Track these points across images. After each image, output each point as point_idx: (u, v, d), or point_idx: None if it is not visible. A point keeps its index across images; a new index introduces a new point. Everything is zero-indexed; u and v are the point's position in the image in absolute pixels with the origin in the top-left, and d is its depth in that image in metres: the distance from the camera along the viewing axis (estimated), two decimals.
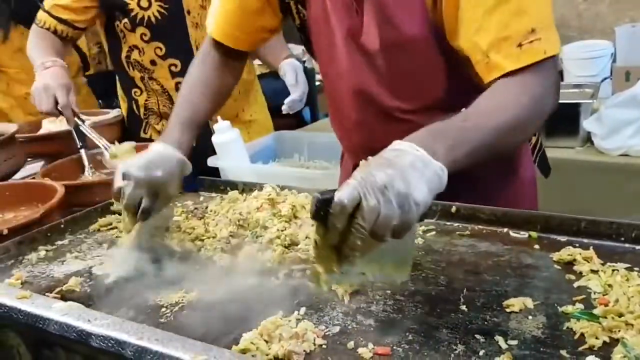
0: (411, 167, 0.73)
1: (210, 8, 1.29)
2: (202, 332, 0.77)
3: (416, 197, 0.71)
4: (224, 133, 1.77)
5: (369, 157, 0.77)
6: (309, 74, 3.77)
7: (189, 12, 1.84)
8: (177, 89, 1.90)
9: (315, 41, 1.20)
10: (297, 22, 1.22)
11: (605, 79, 2.56)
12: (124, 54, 1.93)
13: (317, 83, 3.91)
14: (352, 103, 1.17)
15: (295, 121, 3.72)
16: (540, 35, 0.91)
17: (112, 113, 2.03)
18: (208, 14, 1.31)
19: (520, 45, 0.91)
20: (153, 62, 1.89)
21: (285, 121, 3.72)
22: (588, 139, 2.20)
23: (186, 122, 1.18)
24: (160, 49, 1.87)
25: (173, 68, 1.90)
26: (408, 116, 1.11)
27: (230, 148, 1.81)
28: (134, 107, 2.00)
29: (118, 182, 1.03)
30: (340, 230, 0.71)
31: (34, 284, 0.97)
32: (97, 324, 0.71)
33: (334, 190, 0.71)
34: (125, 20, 1.85)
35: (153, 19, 1.83)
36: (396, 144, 0.78)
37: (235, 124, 1.81)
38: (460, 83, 1.06)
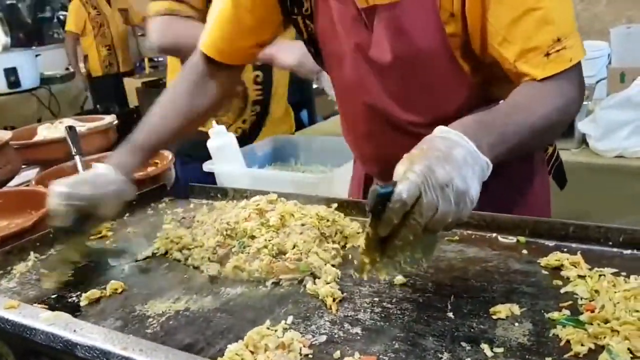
0: (465, 163, 0.74)
1: (207, 21, 1.27)
2: (188, 342, 0.77)
3: (472, 195, 0.74)
4: (219, 137, 1.78)
5: (424, 142, 0.78)
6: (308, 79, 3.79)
7: None
8: (255, 81, 2.00)
9: (325, 53, 1.19)
10: (304, 36, 1.21)
11: (601, 80, 2.56)
12: None
13: (315, 86, 3.92)
14: (361, 115, 1.17)
15: (296, 123, 3.72)
16: (565, 44, 0.93)
17: (107, 119, 2.03)
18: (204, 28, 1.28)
19: (547, 54, 0.93)
20: None
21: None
22: (583, 141, 2.20)
23: (138, 145, 1.18)
24: None
25: (257, 78, 2.01)
26: (419, 129, 1.07)
27: (226, 152, 1.81)
28: None
29: (49, 203, 1.04)
30: (395, 224, 0.72)
31: (22, 294, 0.97)
32: (83, 334, 0.72)
33: (392, 184, 0.71)
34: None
35: None
36: (444, 131, 0.79)
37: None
38: (475, 96, 1.06)
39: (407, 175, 0.71)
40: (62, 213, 1.02)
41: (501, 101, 0.94)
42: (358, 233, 1.05)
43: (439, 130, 0.80)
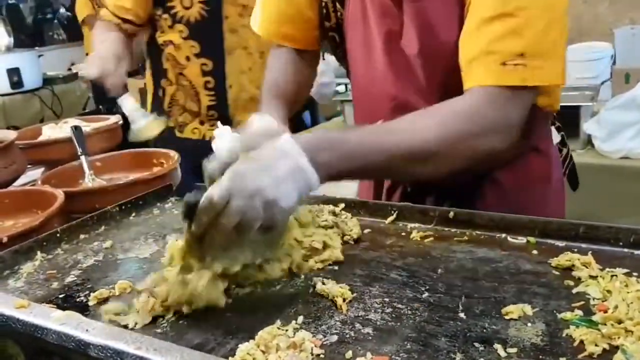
0: (286, 176, 0.79)
1: (259, 11, 1.32)
2: (198, 342, 0.77)
3: (283, 205, 0.79)
4: (223, 138, 1.77)
5: (262, 147, 0.82)
6: None
7: (227, 18, 1.93)
8: (205, 87, 2.01)
9: (350, 42, 1.18)
10: (332, 22, 1.22)
11: (606, 81, 2.56)
12: (160, 47, 2.03)
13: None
14: (384, 109, 1.15)
15: (295, 125, 3.72)
16: (527, 62, 0.88)
17: (112, 119, 2.03)
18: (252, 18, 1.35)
19: (504, 64, 0.89)
20: (188, 59, 1.99)
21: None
22: (588, 142, 2.20)
23: (280, 100, 1.22)
24: (195, 47, 1.97)
25: (204, 67, 1.99)
26: None
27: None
28: (160, 95, 2.09)
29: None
30: (205, 224, 0.78)
31: (29, 294, 0.96)
32: (95, 334, 0.71)
33: (199, 193, 0.78)
34: (166, 16, 1.94)
35: (192, 19, 1.93)
36: (284, 141, 0.82)
37: None
38: None
39: (221, 179, 0.77)
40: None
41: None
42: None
43: (282, 138, 0.83)
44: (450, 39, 1.00)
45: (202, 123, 2.08)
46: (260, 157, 0.79)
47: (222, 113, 2.05)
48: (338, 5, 1.18)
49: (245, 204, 0.76)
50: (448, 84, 1.05)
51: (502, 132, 0.92)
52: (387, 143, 0.87)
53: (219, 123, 1.76)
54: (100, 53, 1.85)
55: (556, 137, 1.28)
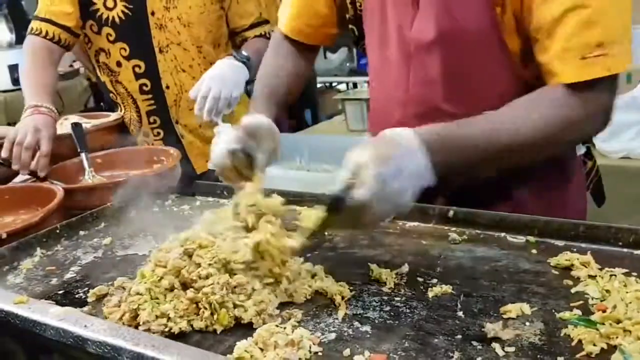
0: (412, 178, 0.83)
1: (282, 7, 1.33)
2: (197, 339, 0.77)
3: (408, 205, 0.85)
4: (224, 136, 1.77)
5: (389, 141, 0.85)
6: (311, 78, 3.79)
7: (153, 14, 1.84)
8: (141, 90, 1.92)
9: (368, 33, 1.18)
10: (350, 13, 1.22)
11: None
12: (93, 58, 1.96)
13: (319, 85, 3.93)
14: (398, 102, 1.14)
15: (296, 123, 3.73)
16: (608, 51, 0.88)
17: (113, 116, 2.03)
18: (279, 11, 1.35)
19: (584, 57, 0.89)
20: (119, 64, 1.90)
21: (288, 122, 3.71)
22: (589, 141, 2.19)
23: (271, 100, 1.21)
24: (125, 49, 1.87)
25: (137, 69, 1.90)
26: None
27: None
28: (121, 111, 2.03)
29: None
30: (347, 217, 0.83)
31: (28, 290, 0.97)
32: (94, 330, 0.71)
33: (347, 185, 0.82)
34: (92, 21, 1.86)
35: (117, 20, 1.84)
36: (409, 138, 0.85)
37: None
38: (522, 89, 1.00)
39: (366, 180, 0.80)
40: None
41: (500, 109, 0.92)
42: None
43: (405, 134, 0.86)
44: (473, 23, 0.99)
45: (146, 135, 1.97)
46: (393, 157, 0.82)
47: (164, 118, 1.94)
48: None
49: (383, 208, 0.82)
50: (465, 71, 1.04)
51: (598, 118, 0.93)
52: (492, 138, 0.90)
53: (219, 121, 1.76)
54: (36, 126, 1.56)
55: (580, 149, 1.21)
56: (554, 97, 0.91)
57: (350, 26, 1.25)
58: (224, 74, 1.69)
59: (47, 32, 1.84)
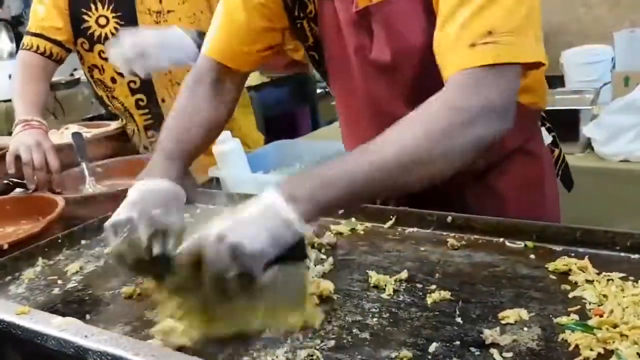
0: (256, 217, 0.73)
1: (209, 28, 1.25)
2: (197, 348, 0.78)
3: (249, 247, 0.70)
4: (224, 143, 1.79)
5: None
6: (309, 82, 3.81)
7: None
8: (137, 106, 1.92)
9: (328, 57, 1.18)
10: (310, 41, 1.20)
11: (605, 84, 2.56)
12: (87, 74, 1.96)
13: (319, 91, 3.94)
14: (366, 118, 1.15)
15: (295, 129, 3.74)
16: (498, 38, 0.84)
17: (113, 125, 2.04)
18: (206, 36, 1.26)
19: (473, 45, 0.85)
20: (113, 80, 1.90)
21: (285, 128, 3.72)
22: (588, 145, 2.20)
23: (174, 154, 1.09)
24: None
25: (132, 85, 1.89)
26: None
27: (231, 158, 1.81)
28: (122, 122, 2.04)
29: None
30: (184, 280, 0.75)
31: (30, 300, 0.97)
32: (95, 340, 0.72)
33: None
34: (82, 39, 1.86)
35: (110, 36, 1.83)
36: (265, 197, 0.76)
37: None
38: None
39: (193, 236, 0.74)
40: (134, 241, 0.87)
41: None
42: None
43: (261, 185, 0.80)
44: (419, 43, 1.00)
45: (145, 148, 1.96)
46: (237, 209, 0.75)
47: (152, 140, 1.93)
48: (312, 25, 1.17)
49: (212, 252, 0.70)
50: (425, 88, 1.03)
51: (489, 115, 0.84)
52: (375, 159, 0.80)
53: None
54: (38, 140, 1.55)
55: (547, 138, 1.28)
56: (437, 106, 0.85)
57: (310, 53, 1.23)
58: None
59: (38, 47, 1.85)
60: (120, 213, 0.90)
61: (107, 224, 0.90)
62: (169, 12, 1.83)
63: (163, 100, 1.91)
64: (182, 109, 1.18)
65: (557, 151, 1.32)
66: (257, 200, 0.75)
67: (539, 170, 1.22)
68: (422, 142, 0.81)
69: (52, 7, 1.85)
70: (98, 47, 1.85)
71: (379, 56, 1.07)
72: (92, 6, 1.83)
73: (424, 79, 1.04)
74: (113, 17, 1.83)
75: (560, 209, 1.28)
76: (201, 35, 1.59)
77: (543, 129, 1.28)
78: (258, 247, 0.70)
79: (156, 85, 1.89)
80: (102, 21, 1.83)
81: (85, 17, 1.84)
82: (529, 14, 0.88)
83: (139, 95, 1.91)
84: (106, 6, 1.83)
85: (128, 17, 1.82)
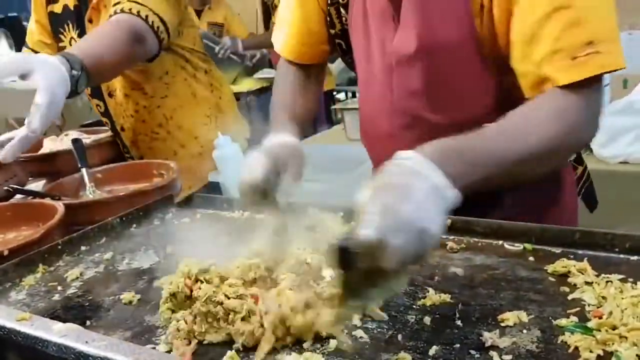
0: (426, 199, 0.71)
1: (275, 29, 1.34)
2: (199, 353, 0.78)
3: (434, 232, 0.70)
4: (224, 148, 1.79)
5: (384, 172, 0.75)
6: None
7: None
8: (107, 125, 1.95)
9: (354, 47, 1.20)
10: (337, 28, 1.23)
11: (604, 86, 2.56)
12: None
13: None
14: (384, 114, 1.15)
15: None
16: (598, 48, 0.85)
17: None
18: (274, 35, 1.35)
19: (575, 58, 0.86)
20: (89, 98, 1.94)
21: None
22: (587, 147, 2.20)
23: (289, 119, 1.20)
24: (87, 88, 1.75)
25: (99, 108, 1.93)
26: (448, 131, 1.00)
27: (231, 163, 1.82)
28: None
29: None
30: (364, 269, 0.69)
31: (31, 306, 0.97)
32: (95, 346, 0.72)
33: (350, 235, 0.69)
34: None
35: None
36: (412, 160, 0.75)
37: None
38: (505, 97, 1.00)
39: (368, 218, 0.68)
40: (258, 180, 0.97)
41: (504, 118, 0.87)
42: None
43: (404, 154, 0.76)
44: (453, 35, 0.99)
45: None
46: (394, 182, 0.72)
47: (129, 156, 1.97)
48: (342, 11, 1.18)
49: (402, 242, 0.67)
50: (447, 82, 1.04)
51: (592, 124, 0.90)
52: (506, 149, 0.83)
53: (219, 133, 1.78)
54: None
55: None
56: (554, 105, 0.88)
57: (337, 41, 1.26)
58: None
59: None
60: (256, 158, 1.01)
61: (247, 159, 1.02)
62: None
63: (122, 129, 1.93)
64: (281, 92, 1.31)
65: (580, 169, 1.26)
66: (414, 174, 0.73)
67: (556, 187, 1.17)
68: (552, 140, 0.85)
69: (38, 23, 1.89)
70: None
71: (401, 46, 1.06)
72: (66, 26, 1.86)
73: (444, 75, 1.04)
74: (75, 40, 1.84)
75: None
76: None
77: None
78: (439, 230, 0.71)
79: (113, 114, 1.92)
80: (74, 43, 1.84)
81: (62, 36, 1.87)
82: (614, 20, 0.89)
83: (104, 119, 1.95)
84: (74, 29, 1.84)
85: None
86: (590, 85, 0.88)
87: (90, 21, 1.80)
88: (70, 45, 1.83)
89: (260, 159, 1.00)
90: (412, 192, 0.70)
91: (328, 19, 1.23)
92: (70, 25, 1.84)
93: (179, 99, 1.90)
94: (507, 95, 1.00)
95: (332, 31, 1.24)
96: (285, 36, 1.32)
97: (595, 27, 0.87)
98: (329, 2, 1.21)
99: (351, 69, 1.30)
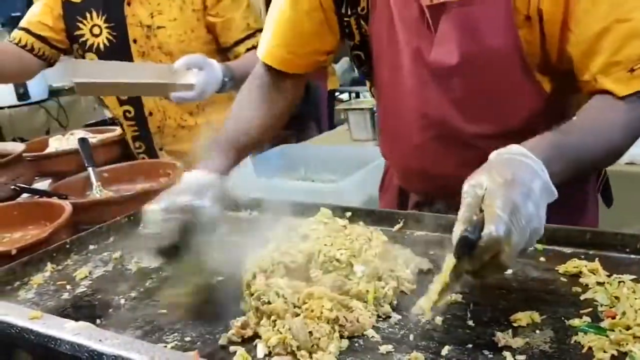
0: (541, 198, 0.75)
1: (263, 32, 1.27)
2: (209, 351, 0.78)
3: (542, 231, 0.75)
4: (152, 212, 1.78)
5: (505, 166, 0.76)
6: (314, 89, 3.81)
7: (135, 41, 1.85)
8: (125, 117, 1.94)
9: (377, 59, 1.15)
10: (356, 39, 1.17)
11: None
12: None
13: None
14: (415, 126, 1.12)
15: (299, 134, 3.74)
16: None
17: (118, 130, 2.05)
18: (260, 38, 1.28)
19: (632, 70, 0.89)
20: None
21: (289, 133, 3.72)
22: None
23: (229, 145, 1.14)
24: None
25: (121, 96, 1.92)
26: (481, 142, 1.02)
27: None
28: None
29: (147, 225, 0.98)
30: (484, 260, 0.71)
31: (40, 305, 0.97)
32: (109, 344, 0.72)
33: (475, 227, 0.71)
34: (77, 46, 1.89)
35: (102, 47, 1.85)
36: (525, 155, 0.77)
37: None
38: (546, 107, 1.02)
39: (496, 212, 0.70)
40: (165, 230, 0.93)
41: (578, 116, 0.90)
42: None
43: (517, 150, 0.78)
44: (497, 45, 0.99)
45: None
46: (517, 179, 0.74)
47: (148, 144, 1.96)
48: (362, 22, 1.14)
49: (522, 239, 0.71)
50: (488, 92, 1.03)
51: None
52: (604, 146, 0.89)
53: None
54: None
55: None
56: (618, 106, 0.91)
57: (354, 52, 1.20)
58: None
59: (20, 40, 1.87)
60: (160, 201, 0.97)
61: (145, 207, 0.98)
62: (159, 27, 1.83)
63: (150, 114, 1.92)
64: (240, 106, 1.24)
65: None
66: (532, 173, 0.76)
67: (583, 197, 1.18)
68: (628, 134, 0.91)
69: (46, 5, 1.88)
70: (89, 55, 1.88)
71: (442, 58, 1.03)
72: (88, 15, 1.85)
73: (486, 85, 1.03)
74: (105, 28, 1.85)
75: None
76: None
77: None
78: (542, 225, 0.75)
79: (144, 98, 1.90)
80: (96, 30, 1.86)
81: (80, 24, 1.86)
82: None
83: (126, 107, 1.93)
84: (100, 16, 1.85)
85: (119, 29, 1.84)
86: None
87: (129, 4, 1.82)
88: (91, 33, 1.85)
89: (158, 216, 0.94)
90: (532, 191, 0.74)
91: (347, 30, 1.17)
92: (94, 13, 1.85)
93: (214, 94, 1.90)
94: (551, 104, 1.01)
95: (351, 42, 1.19)
96: (270, 38, 1.23)
97: None
98: (348, 12, 1.14)
99: (368, 80, 1.26)
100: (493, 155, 0.80)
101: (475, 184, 0.74)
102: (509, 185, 0.72)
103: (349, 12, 1.15)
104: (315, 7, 1.16)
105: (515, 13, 0.97)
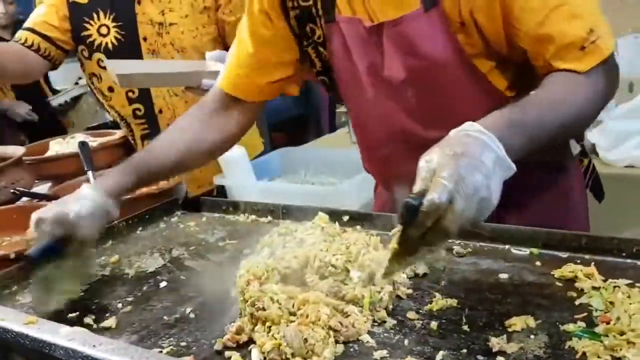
0: (493, 171, 0.76)
1: (225, 64, 1.29)
2: (204, 356, 0.78)
3: (494, 202, 0.76)
4: (230, 151, 1.79)
5: (456, 140, 0.78)
6: (315, 90, 3.82)
7: (145, 39, 1.84)
8: (134, 115, 1.92)
9: (338, 78, 1.18)
10: (318, 66, 1.20)
11: None
12: (88, 80, 1.97)
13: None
14: (381, 137, 1.16)
15: (298, 136, 3.75)
16: (598, 33, 0.92)
17: (118, 133, 2.05)
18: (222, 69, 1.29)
19: (583, 48, 0.92)
20: (110, 89, 1.90)
21: (289, 135, 3.72)
22: (592, 151, 2.19)
23: (133, 166, 1.17)
24: None
25: (130, 94, 1.90)
26: None
27: (236, 166, 1.82)
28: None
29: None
30: (426, 227, 0.73)
31: (37, 310, 0.97)
32: (102, 349, 0.72)
33: (419, 195, 0.73)
34: (82, 46, 1.87)
35: (110, 46, 1.85)
36: (477, 130, 0.79)
37: None
38: (497, 104, 1.00)
39: (440, 181, 0.72)
40: (40, 237, 1.02)
41: (538, 91, 0.92)
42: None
43: (471, 127, 0.80)
44: (438, 55, 1.01)
45: None
46: (467, 151, 0.76)
47: None
48: (321, 49, 1.17)
49: (466, 206, 0.72)
50: (442, 100, 1.06)
51: (611, 91, 0.98)
52: (560, 117, 0.90)
53: None
54: None
55: (575, 148, 1.24)
56: (580, 80, 0.93)
57: (320, 77, 1.23)
58: None
59: (26, 39, 1.86)
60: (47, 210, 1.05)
61: (33, 214, 1.04)
62: (171, 24, 1.83)
63: (160, 111, 1.91)
64: (173, 128, 1.25)
65: (586, 161, 1.30)
66: (483, 146, 0.77)
67: (566, 183, 1.19)
68: (586, 105, 0.93)
69: (51, 6, 1.87)
70: (97, 55, 1.86)
71: (392, 73, 1.06)
72: (95, 15, 1.85)
73: (437, 95, 1.06)
74: (114, 27, 1.84)
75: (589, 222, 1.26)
76: None
77: (572, 140, 1.25)
78: (496, 200, 0.76)
79: (154, 96, 1.89)
80: (104, 30, 1.85)
81: (87, 25, 1.85)
82: (596, 2, 0.96)
83: (136, 105, 1.91)
84: (107, 16, 1.84)
85: (129, 27, 1.83)
86: (604, 64, 0.94)
87: (139, 2, 1.82)
88: (99, 33, 1.84)
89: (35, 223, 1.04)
90: (483, 164, 0.75)
91: (308, 62, 1.20)
92: (102, 14, 1.84)
93: None
94: (503, 99, 1.03)
95: (314, 70, 1.22)
96: (229, 65, 1.26)
97: (590, 15, 0.94)
98: (304, 43, 1.18)
99: (339, 100, 1.28)
100: (452, 132, 0.82)
101: (429, 159, 0.76)
102: (457, 158, 0.75)
103: (308, 42, 1.17)
104: (276, 39, 1.18)
105: (448, 22, 0.99)
